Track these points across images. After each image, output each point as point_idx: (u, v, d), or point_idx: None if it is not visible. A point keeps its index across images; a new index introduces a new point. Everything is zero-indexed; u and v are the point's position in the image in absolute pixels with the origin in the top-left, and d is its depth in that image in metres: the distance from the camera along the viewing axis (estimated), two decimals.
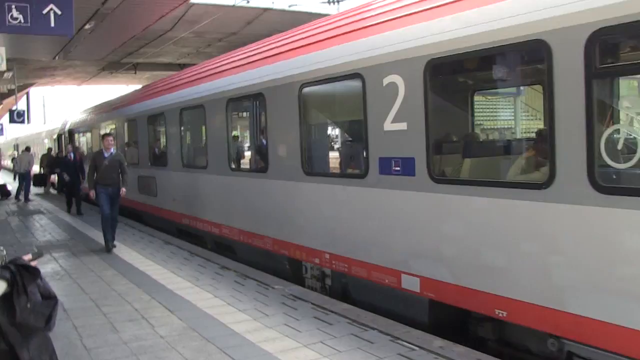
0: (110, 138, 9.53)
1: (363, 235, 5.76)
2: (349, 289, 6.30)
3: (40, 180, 23.16)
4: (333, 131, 8.37)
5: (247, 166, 8.89)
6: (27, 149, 21.84)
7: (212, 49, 17.80)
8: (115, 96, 17.86)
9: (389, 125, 5.31)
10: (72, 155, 15.56)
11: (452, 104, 6.45)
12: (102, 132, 16.77)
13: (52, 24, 6.94)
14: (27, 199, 19.51)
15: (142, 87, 15.38)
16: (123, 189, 9.34)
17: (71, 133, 21.23)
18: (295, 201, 6.91)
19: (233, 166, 8.63)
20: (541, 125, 4.86)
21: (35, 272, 2.46)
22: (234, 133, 10.02)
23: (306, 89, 6.59)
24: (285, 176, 7.07)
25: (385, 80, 5.30)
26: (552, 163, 3.97)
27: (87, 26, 12.15)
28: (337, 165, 7.27)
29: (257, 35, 14.55)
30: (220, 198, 8.91)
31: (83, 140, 19.83)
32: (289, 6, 13.89)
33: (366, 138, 5.61)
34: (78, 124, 20.42)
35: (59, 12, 6.98)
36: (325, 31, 6.49)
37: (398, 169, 5.24)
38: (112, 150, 9.43)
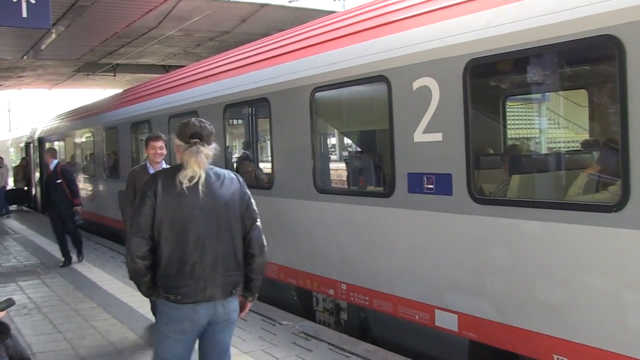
0: (160, 143, 6.11)
1: (388, 263, 5.62)
2: (370, 325, 6.10)
3: (16, 196, 21.91)
4: (351, 142, 8.19)
5: (248, 182, 8.71)
6: None
7: (201, 49, 17.64)
8: (90, 102, 17.66)
9: (420, 136, 5.18)
10: (52, 166, 10.71)
11: (496, 112, 6.25)
12: (79, 139, 16.59)
13: (25, 14, 6.56)
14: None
15: (124, 91, 15.17)
16: None
17: (41, 142, 20.99)
18: (306, 223, 6.76)
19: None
20: (610, 135, 4.62)
21: (3, 330, 2.13)
22: (233, 144, 9.82)
23: (319, 94, 6.47)
24: (293, 194, 6.95)
25: (416, 84, 5.17)
26: (626, 180, 3.71)
27: (61, 22, 11.91)
28: (356, 182, 7.15)
29: (252, 35, 14.42)
30: None
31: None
32: (289, 1, 13.72)
33: (392, 150, 5.48)
34: (50, 132, 20.22)
35: (33, 1, 6.58)
36: (342, 27, 6.34)
37: (431, 186, 5.10)
38: (162, 164, 6.10)
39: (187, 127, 3.50)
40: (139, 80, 22.14)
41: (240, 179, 3.62)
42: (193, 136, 3.48)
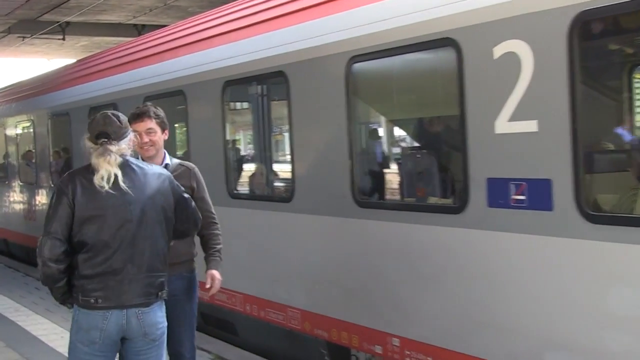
0: (149, 124, 5.49)
1: (460, 308, 5.65)
2: None
3: None
4: (405, 135, 8.18)
5: (259, 191, 8.91)
6: None
7: (188, 2, 17.84)
8: (28, 78, 17.90)
9: (504, 126, 5.19)
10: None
11: (618, 89, 6.22)
12: (10, 131, 16.83)
13: None
14: None
15: (79, 62, 15.39)
16: (214, 275, 5.57)
17: None
18: (339, 250, 6.81)
19: (232, 191, 8.62)
20: None
21: None
22: (234, 136, 9.91)
23: (359, 66, 6.53)
24: (322, 208, 7.03)
25: (499, 50, 5.19)
26: None
27: None
28: (413, 191, 7.17)
29: None
30: None
31: None
32: None
33: (464, 146, 5.53)
34: None
35: None
36: None
37: (521, 197, 5.10)
38: (166, 157, 5.75)
39: (91, 126, 4.55)
40: (99, 47, 22.49)
41: (171, 177, 4.75)
42: (99, 136, 4.47)
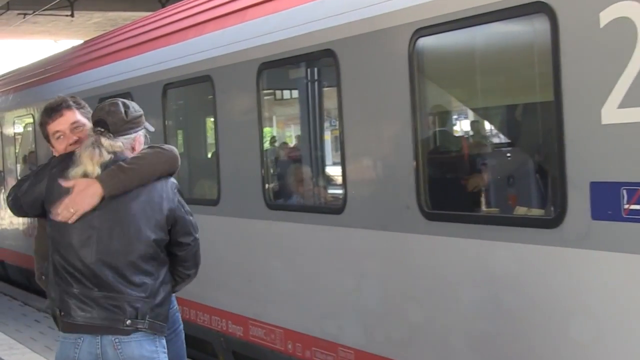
0: (70, 116, 5.21)
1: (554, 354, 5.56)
2: None
3: None
4: (489, 128, 8.07)
5: (302, 200, 8.98)
6: None
7: None
8: (29, 63, 18.13)
9: (613, 114, 5.10)
10: None
11: None
12: (9, 128, 17.04)
13: None
14: None
15: (86, 43, 15.52)
16: None
17: None
18: (402, 275, 6.81)
19: (271, 200, 8.69)
20: None
21: None
22: (273, 131, 9.92)
23: (425, 41, 6.54)
24: (381, 221, 7.04)
25: (606, 16, 5.08)
26: None
27: None
28: (500, 200, 7.16)
29: None
30: (245, 264, 8.96)
31: None
32: None
33: (559, 141, 5.46)
34: None
35: None
36: None
37: (638, 208, 5.00)
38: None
39: (93, 112, 4.76)
40: (114, 24, 22.70)
41: (170, 184, 4.75)
42: (96, 124, 4.67)
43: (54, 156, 4.92)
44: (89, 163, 4.50)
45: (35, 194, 4.69)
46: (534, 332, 5.71)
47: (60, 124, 4.99)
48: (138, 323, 4.50)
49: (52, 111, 5.04)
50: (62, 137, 4.97)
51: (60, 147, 5.05)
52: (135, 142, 4.75)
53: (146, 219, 4.58)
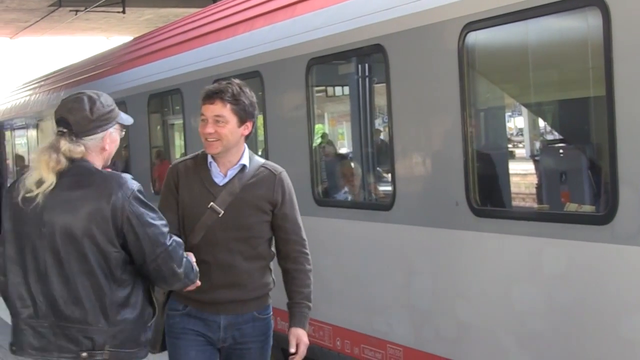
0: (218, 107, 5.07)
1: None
2: None
3: None
4: (543, 124, 8.04)
5: (351, 196, 8.97)
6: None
7: None
8: (80, 60, 18.28)
9: None
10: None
11: None
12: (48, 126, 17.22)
13: None
14: None
15: (136, 40, 15.65)
16: (300, 337, 5.24)
17: None
18: (452, 272, 6.80)
19: (320, 196, 8.74)
20: None
21: None
22: (322, 128, 9.96)
23: (474, 35, 6.51)
24: (428, 217, 7.04)
25: None
26: None
27: None
28: (552, 197, 7.09)
29: None
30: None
31: (20, 143, 20.45)
32: None
33: (611, 136, 5.40)
34: (10, 113, 21.19)
35: None
36: None
37: None
38: (244, 159, 5.28)
39: (56, 109, 4.28)
40: (166, 21, 22.82)
41: (128, 187, 4.17)
42: (58, 123, 4.21)
43: None
44: (45, 169, 4.09)
45: None
46: (585, 330, 5.69)
47: (206, 111, 5.01)
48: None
49: (206, 97, 5.02)
50: (203, 122, 5.01)
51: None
52: (105, 141, 4.29)
53: None
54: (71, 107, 4.22)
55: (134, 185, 4.22)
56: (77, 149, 4.14)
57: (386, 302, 7.64)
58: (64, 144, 4.12)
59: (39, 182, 4.08)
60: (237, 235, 5.12)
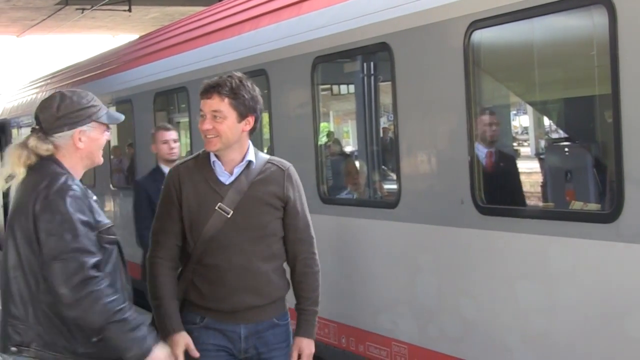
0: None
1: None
2: None
3: None
4: (548, 122, 8.03)
5: (356, 194, 8.99)
6: None
7: None
8: (86, 58, 18.28)
9: None
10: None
11: None
12: None
13: None
14: None
15: (142, 38, 15.66)
16: (303, 348, 5.14)
17: (4, 127, 22.17)
18: (457, 270, 6.78)
19: (325, 194, 8.74)
20: None
21: None
22: (327, 126, 9.97)
23: (479, 33, 6.50)
24: (434, 216, 7.05)
25: None
26: None
27: None
28: (558, 195, 7.07)
29: None
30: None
31: None
32: None
33: (617, 134, 5.39)
34: (17, 111, 21.16)
35: None
36: None
37: None
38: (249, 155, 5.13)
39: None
40: (172, 19, 22.82)
41: (43, 185, 4.05)
42: (35, 120, 4.26)
43: None
44: (16, 163, 4.13)
45: None
46: (590, 328, 5.69)
47: (204, 106, 4.84)
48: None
49: (204, 91, 4.86)
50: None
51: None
52: (75, 139, 4.19)
53: None
54: (42, 105, 4.27)
55: (57, 187, 4.07)
56: (43, 147, 4.15)
57: (391, 300, 7.63)
58: (32, 141, 4.15)
59: (10, 177, 4.17)
60: (251, 236, 4.89)
